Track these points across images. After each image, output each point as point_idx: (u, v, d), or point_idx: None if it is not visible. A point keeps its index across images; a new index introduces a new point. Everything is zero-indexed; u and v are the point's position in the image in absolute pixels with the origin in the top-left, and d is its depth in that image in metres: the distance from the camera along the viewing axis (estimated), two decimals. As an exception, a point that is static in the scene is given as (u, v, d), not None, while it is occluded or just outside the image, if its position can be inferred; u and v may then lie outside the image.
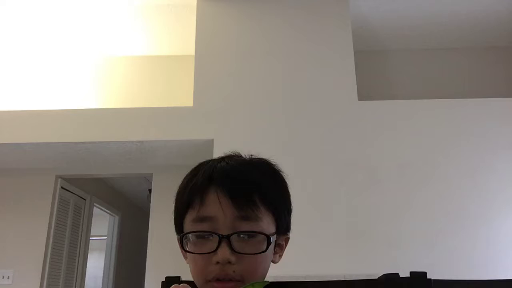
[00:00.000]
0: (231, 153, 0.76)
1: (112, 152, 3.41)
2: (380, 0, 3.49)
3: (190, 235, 0.66)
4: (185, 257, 0.70)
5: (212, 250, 0.64)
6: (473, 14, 3.61)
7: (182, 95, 3.66)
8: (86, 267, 4.54)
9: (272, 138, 3.03)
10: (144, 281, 3.64)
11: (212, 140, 3.03)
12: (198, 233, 0.66)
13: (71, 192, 4.17)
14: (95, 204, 4.80)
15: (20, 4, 3.46)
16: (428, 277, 0.94)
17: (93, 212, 4.75)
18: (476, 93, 3.60)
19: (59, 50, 4.01)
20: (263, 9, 3.44)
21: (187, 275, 1.12)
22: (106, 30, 3.78)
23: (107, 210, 5.34)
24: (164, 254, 3.54)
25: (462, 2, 3.50)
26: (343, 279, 1.03)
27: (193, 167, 0.74)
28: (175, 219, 0.72)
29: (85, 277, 4.50)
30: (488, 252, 2.76)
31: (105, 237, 5.63)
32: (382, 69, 3.93)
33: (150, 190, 4.13)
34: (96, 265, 5.92)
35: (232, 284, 0.64)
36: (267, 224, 0.67)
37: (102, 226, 5.72)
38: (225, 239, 0.64)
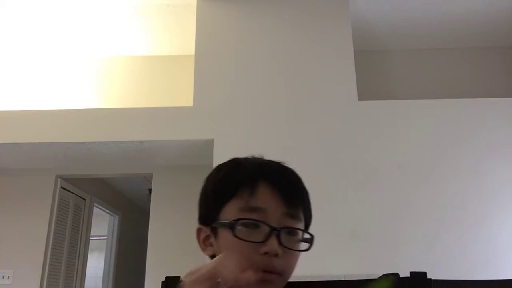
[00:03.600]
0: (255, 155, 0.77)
1: (112, 152, 3.40)
2: (380, 0, 3.49)
3: (237, 223, 0.66)
4: (204, 249, 0.71)
5: (261, 240, 0.64)
6: (473, 14, 3.61)
7: (182, 95, 3.66)
8: (86, 267, 4.54)
9: (272, 138, 3.03)
10: (144, 281, 3.64)
11: (212, 140, 3.03)
12: (246, 222, 0.66)
13: (71, 192, 4.17)
14: (95, 204, 4.80)
15: (20, 4, 3.46)
16: (428, 277, 0.94)
17: (93, 212, 4.75)
18: (476, 93, 3.60)
19: (59, 50, 4.00)
20: (263, 9, 3.44)
21: (187, 275, 1.11)
22: (106, 30, 3.78)
23: (107, 210, 5.34)
24: (164, 254, 3.54)
25: (462, 2, 3.50)
26: (343, 279, 1.03)
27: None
28: (207, 207, 0.72)
29: (85, 277, 4.50)
30: (488, 252, 2.76)
31: (105, 237, 5.63)
32: (382, 69, 3.92)
33: (150, 190, 4.13)
34: (96, 265, 5.92)
35: (272, 276, 0.65)
36: (303, 226, 0.71)
37: (102, 226, 5.72)
38: (275, 231, 0.65)
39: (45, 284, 3.64)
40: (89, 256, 4.64)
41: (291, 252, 0.67)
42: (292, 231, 0.68)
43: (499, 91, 3.66)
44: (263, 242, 0.64)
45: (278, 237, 0.65)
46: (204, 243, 0.72)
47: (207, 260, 0.64)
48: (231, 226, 0.66)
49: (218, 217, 0.69)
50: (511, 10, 3.57)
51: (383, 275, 1.09)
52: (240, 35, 3.39)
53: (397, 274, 1.05)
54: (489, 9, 3.55)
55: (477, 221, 2.83)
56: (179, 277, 1.01)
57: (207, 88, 3.22)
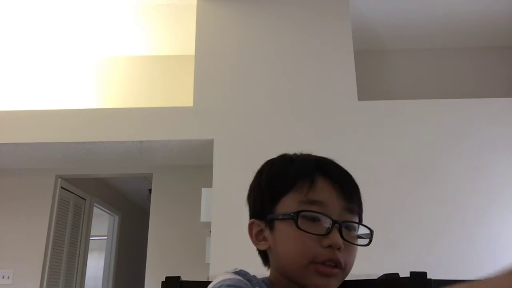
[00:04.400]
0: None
1: (112, 152, 3.40)
2: (380, 0, 3.49)
3: (298, 215, 0.64)
4: (257, 243, 0.70)
5: (323, 233, 0.64)
6: (473, 14, 3.61)
7: (182, 95, 3.66)
8: (86, 267, 4.54)
9: (272, 138, 3.03)
10: (144, 281, 3.64)
11: (212, 140, 3.03)
12: (308, 214, 0.65)
13: (71, 192, 4.17)
14: (95, 204, 4.80)
15: (20, 4, 3.46)
16: (428, 277, 0.94)
17: (93, 212, 4.75)
18: (476, 93, 3.60)
19: (59, 50, 4.00)
20: (263, 9, 3.44)
21: (187, 275, 1.12)
22: (106, 30, 3.78)
23: (107, 210, 5.34)
24: (164, 254, 3.54)
25: (462, 2, 3.50)
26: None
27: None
28: (261, 201, 0.71)
29: (85, 277, 4.50)
30: (488, 252, 2.76)
31: (105, 237, 5.63)
32: (382, 69, 3.92)
33: (150, 190, 4.13)
34: (96, 265, 5.92)
35: (336, 271, 0.64)
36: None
37: (102, 226, 5.72)
38: (337, 225, 0.65)
39: (45, 284, 3.64)
40: (89, 256, 4.64)
41: (352, 246, 0.67)
42: (350, 226, 0.67)
43: (499, 91, 3.66)
44: (326, 235, 0.64)
45: (340, 231, 0.64)
46: (257, 237, 0.70)
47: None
48: (293, 218, 0.64)
49: (274, 211, 0.68)
50: (511, 10, 3.57)
51: (383, 275, 1.09)
52: (240, 35, 3.39)
53: (397, 274, 1.05)
54: (489, 9, 3.55)
55: (477, 221, 2.83)
56: (179, 277, 1.01)
57: (207, 88, 3.22)
